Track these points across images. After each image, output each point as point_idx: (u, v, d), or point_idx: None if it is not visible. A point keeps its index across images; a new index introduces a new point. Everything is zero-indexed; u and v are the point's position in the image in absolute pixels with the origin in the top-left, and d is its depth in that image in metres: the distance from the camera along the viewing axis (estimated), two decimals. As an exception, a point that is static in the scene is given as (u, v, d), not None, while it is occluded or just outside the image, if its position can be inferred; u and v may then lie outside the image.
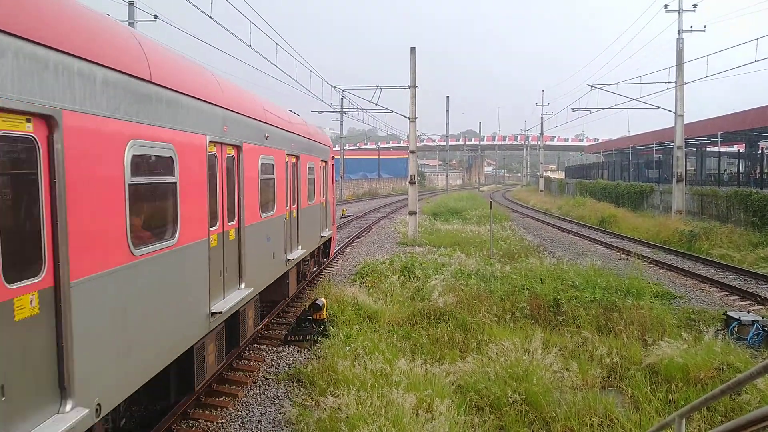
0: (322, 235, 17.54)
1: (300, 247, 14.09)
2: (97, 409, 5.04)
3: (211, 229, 7.96)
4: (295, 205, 13.84)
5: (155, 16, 24.83)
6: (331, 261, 21.01)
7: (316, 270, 18.53)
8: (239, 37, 16.20)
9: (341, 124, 49.91)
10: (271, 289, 12.12)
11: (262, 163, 10.56)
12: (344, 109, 45.38)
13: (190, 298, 7.34)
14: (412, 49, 27.64)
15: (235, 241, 9.15)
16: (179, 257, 6.91)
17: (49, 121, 4.48)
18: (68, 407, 4.66)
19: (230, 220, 8.95)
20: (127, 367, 5.72)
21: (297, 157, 13.70)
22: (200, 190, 7.60)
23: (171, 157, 6.64)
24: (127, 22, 23.89)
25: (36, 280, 4.38)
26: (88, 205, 5.01)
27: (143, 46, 6.26)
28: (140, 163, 5.96)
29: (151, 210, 6.58)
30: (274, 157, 11.46)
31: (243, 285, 9.37)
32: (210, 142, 7.82)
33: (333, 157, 19.50)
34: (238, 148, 9.18)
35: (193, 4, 13.41)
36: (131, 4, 24.49)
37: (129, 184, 5.66)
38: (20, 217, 4.39)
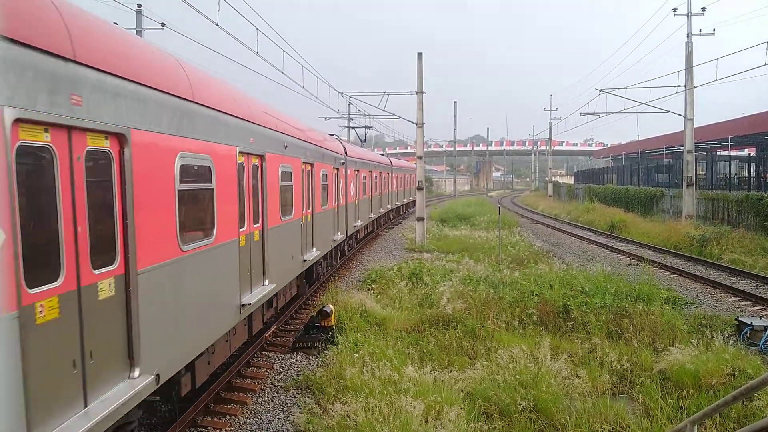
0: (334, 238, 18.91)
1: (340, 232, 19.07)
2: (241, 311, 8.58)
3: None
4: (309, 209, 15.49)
5: (163, 24, 25.01)
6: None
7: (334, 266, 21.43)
8: (246, 45, 16.28)
9: (348, 131, 49.95)
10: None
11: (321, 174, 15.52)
12: (351, 116, 45.40)
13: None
14: (419, 55, 27.64)
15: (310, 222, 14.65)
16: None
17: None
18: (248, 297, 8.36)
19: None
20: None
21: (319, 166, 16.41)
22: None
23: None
24: (134, 30, 24.07)
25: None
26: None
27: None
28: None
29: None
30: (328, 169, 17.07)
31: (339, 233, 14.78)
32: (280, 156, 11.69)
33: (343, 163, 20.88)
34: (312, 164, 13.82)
35: (200, 12, 13.48)
36: (139, 12, 24.67)
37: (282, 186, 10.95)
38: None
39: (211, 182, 7.93)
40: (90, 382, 5.05)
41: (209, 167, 7.87)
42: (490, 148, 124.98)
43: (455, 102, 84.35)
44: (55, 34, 4.72)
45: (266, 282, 10.55)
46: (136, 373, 5.76)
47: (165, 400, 7.88)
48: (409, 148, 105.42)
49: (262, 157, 10.36)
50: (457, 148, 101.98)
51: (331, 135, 22.01)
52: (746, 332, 12.35)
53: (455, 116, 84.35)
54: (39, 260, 4.51)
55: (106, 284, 5.37)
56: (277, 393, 9.91)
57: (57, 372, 4.68)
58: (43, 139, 4.57)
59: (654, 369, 10.36)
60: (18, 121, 4.21)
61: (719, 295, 17.33)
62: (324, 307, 12.75)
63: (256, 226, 10.14)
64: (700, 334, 11.96)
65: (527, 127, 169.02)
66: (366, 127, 39.11)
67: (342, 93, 32.31)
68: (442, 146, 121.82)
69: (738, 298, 16.71)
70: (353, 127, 40.94)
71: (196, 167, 7.47)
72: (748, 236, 25.18)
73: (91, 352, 5.05)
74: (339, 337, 11.92)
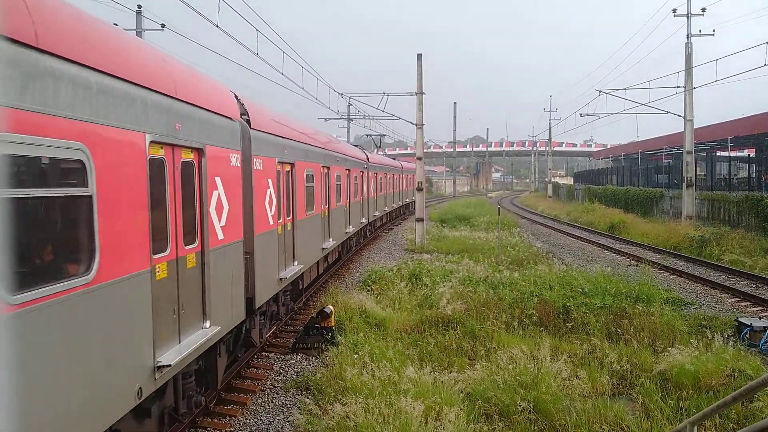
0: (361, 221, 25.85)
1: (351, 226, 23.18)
2: (302, 267, 13.59)
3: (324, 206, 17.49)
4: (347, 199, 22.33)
5: (162, 25, 25.00)
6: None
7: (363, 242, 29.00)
8: (246, 46, 16.30)
9: (348, 132, 49.97)
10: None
11: (338, 175, 19.79)
12: (351, 116, 45.42)
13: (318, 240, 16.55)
14: (419, 56, 27.65)
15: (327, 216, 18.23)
16: (315, 218, 15.85)
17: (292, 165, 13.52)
18: (295, 264, 13.15)
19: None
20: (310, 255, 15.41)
21: (349, 170, 22.11)
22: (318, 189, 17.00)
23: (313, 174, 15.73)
24: (134, 31, 24.07)
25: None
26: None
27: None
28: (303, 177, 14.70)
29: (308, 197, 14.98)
30: (351, 172, 22.39)
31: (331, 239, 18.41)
32: (323, 166, 16.76)
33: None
34: (329, 168, 17.78)
35: (200, 14, 13.50)
36: (139, 13, 24.67)
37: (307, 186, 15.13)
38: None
39: (313, 182, 14.89)
40: (285, 262, 12.37)
41: (312, 175, 14.87)
42: (489, 148, 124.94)
43: (455, 103, 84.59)
44: (278, 126, 12.13)
45: (330, 240, 17.80)
46: (296, 263, 13.10)
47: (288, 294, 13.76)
48: (408, 149, 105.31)
49: (328, 168, 17.40)
50: (457, 149, 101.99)
51: (356, 146, 30.53)
52: (746, 333, 12.35)
53: (455, 117, 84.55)
54: (286, 210, 12.21)
55: (290, 225, 12.76)
56: (277, 394, 9.91)
57: (281, 252, 11.92)
58: (285, 168, 12.30)
59: (654, 370, 10.36)
60: (280, 162, 11.68)
61: (719, 295, 17.34)
62: (324, 308, 12.75)
63: (325, 207, 17.14)
64: (700, 335, 11.97)
65: (527, 127, 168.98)
66: (381, 135, 46.02)
67: (342, 94, 32.29)
68: (441, 147, 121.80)
69: (738, 299, 16.71)
70: (370, 135, 46.76)
71: (308, 175, 14.36)
72: (748, 237, 25.17)
73: (285, 250, 12.39)
74: (339, 337, 11.93)
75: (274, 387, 10.22)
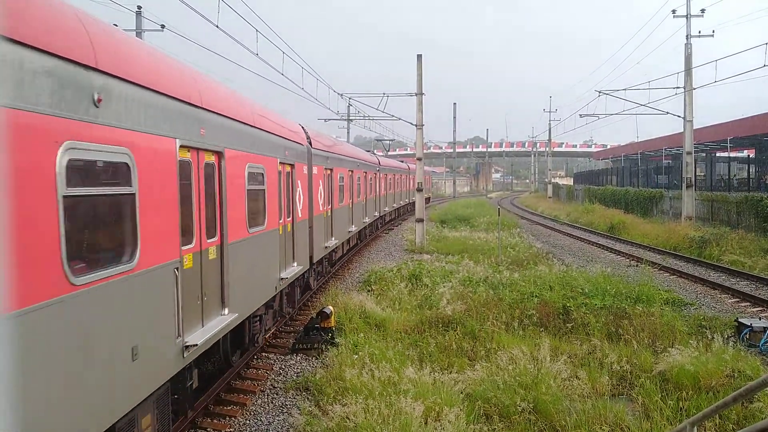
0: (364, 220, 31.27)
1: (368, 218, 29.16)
2: (337, 242, 19.45)
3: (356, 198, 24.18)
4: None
5: (162, 26, 25.01)
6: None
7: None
8: (246, 46, 16.29)
9: (348, 132, 49.98)
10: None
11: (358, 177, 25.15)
12: (350, 117, 45.42)
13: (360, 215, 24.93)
14: (419, 57, 27.64)
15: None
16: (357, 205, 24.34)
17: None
18: (333, 239, 18.67)
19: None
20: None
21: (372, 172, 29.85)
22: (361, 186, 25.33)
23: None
24: (134, 32, 24.07)
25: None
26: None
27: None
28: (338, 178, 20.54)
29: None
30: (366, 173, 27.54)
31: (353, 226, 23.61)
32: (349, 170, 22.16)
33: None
34: (365, 172, 26.08)
35: (200, 14, 13.50)
36: (139, 13, 24.67)
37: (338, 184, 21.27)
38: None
39: (343, 182, 19.98)
40: (327, 237, 17.72)
41: (343, 176, 19.76)
42: (489, 149, 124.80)
43: (455, 104, 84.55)
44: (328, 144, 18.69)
45: (353, 226, 22.81)
46: (333, 239, 18.30)
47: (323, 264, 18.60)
48: (408, 149, 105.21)
49: (352, 171, 22.33)
50: (457, 150, 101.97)
51: (368, 151, 35.51)
52: (746, 333, 12.35)
53: (455, 118, 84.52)
54: (328, 201, 17.70)
55: (330, 212, 18.05)
56: (277, 394, 9.91)
57: (325, 229, 17.33)
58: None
59: (653, 370, 10.36)
60: (325, 169, 17.21)
61: (719, 296, 17.34)
62: (324, 308, 12.75)
63: (350, 201, 21.91)
64: (700, 336, 11.96)
65: (527, 128, 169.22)
66: (390, 140, 51.08)
67: (342, 94, 32.28)
68: (441, 148, 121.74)
69: (737, 300, 16.71)
70: (381, 140, 50.51)
71: (340, 176, 18.90)
72: (748, 237, 25.18)
73: (327, 228, 17.50)
74: (339, 338, 11.92)
75: (274, 388, 10.21)
